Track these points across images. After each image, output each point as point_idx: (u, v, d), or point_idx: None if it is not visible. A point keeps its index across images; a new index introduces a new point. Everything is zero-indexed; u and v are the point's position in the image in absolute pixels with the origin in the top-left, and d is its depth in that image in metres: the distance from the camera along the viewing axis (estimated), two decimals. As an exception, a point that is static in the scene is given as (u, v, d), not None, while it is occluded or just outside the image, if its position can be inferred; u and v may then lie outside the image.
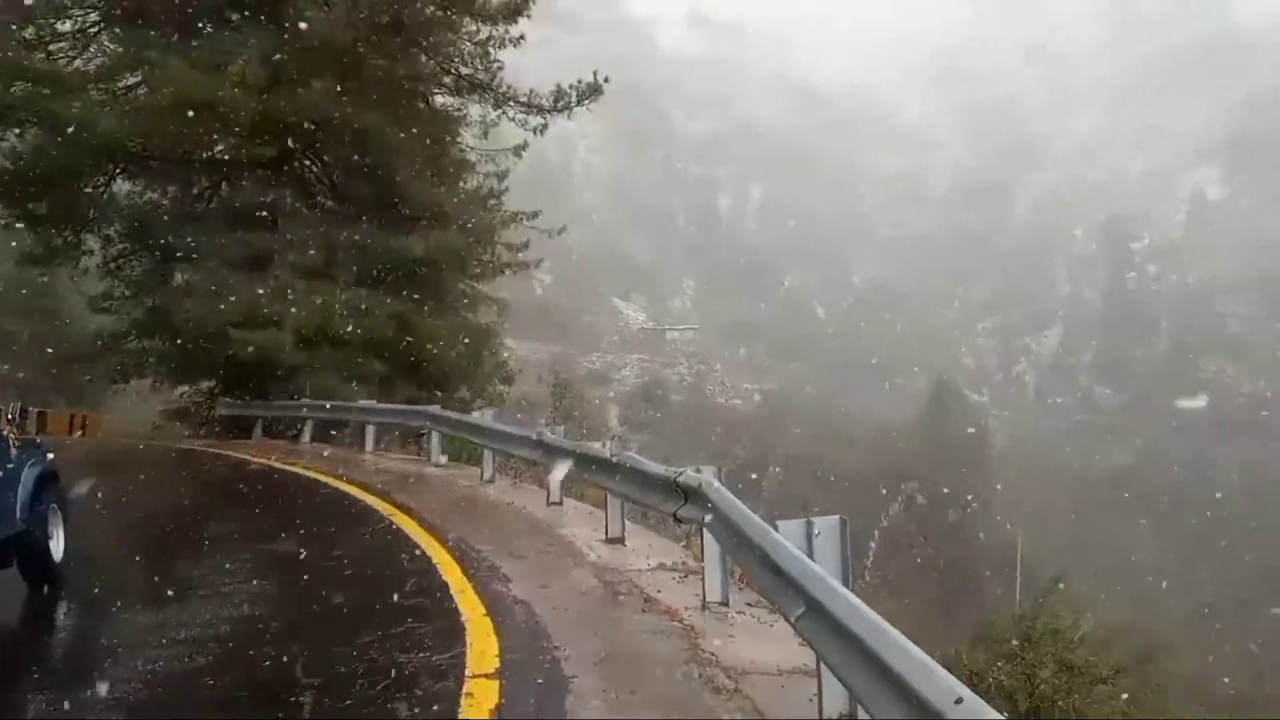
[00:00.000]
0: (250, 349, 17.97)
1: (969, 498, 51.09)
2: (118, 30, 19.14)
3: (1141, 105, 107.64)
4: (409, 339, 19.86)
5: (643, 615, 6.37)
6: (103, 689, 5.19)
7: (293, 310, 17.98)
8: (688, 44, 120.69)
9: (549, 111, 20.24)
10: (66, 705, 5.08)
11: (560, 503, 10.22)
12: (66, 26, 19.55)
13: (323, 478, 12.60)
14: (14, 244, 23.23)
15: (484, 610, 6.31)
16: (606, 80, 19.85)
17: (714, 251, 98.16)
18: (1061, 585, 16.16)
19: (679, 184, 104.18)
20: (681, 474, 6.25)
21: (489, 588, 6.91)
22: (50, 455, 7.72)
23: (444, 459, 13.81)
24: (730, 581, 6.65)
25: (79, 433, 22.33)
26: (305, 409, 17.42)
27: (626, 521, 8.65)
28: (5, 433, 7.12)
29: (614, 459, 7.71)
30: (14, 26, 18.14)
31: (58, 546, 7.63)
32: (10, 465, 7.07)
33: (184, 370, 21.66)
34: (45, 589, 7.34)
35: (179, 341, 20.11)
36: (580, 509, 10.23)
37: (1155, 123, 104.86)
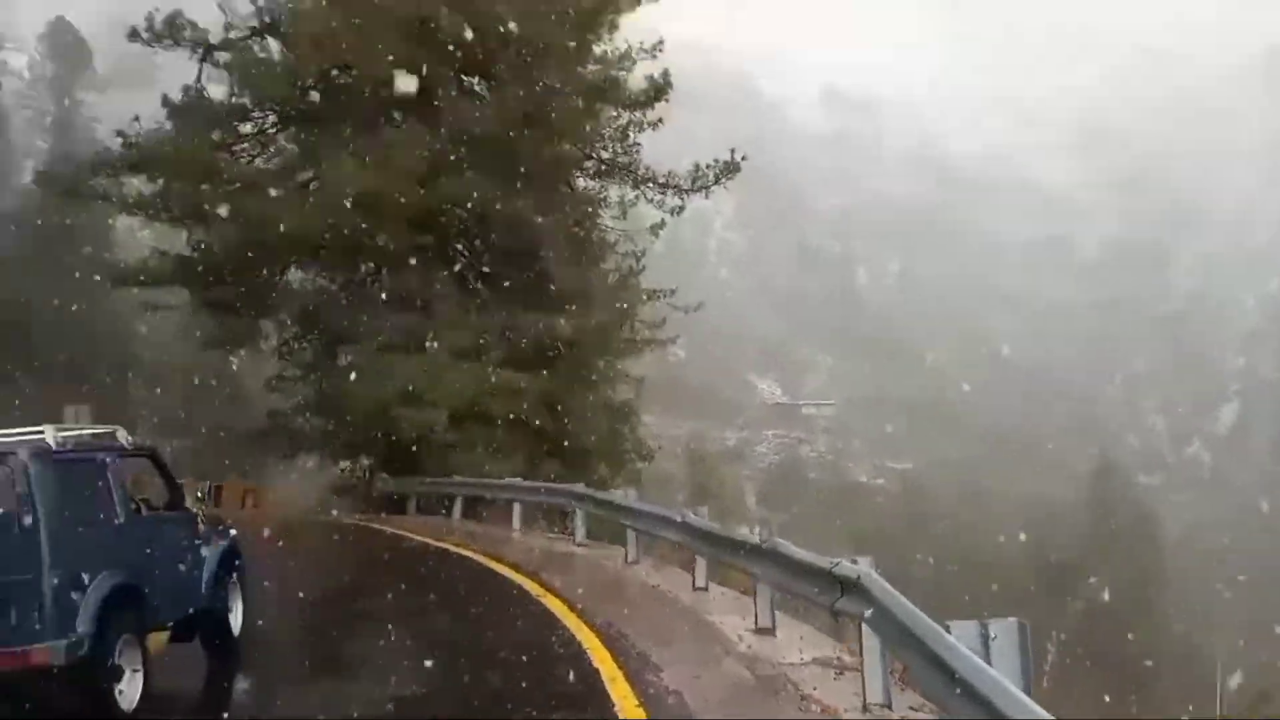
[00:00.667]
0: (406, 427, 18.83)
1: (1146, 592, 46.98)
2: (294, 132, 20.94)
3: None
4: (552, 416, 20.36)
5: (801, 714, 6.12)
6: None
7: (445, 389, 18.77)
8: (819, 121, 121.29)
9: (686, 191, 20.70)
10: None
11: (706, 588, 10.05)
12: (248, 129, 21.58)
13: (474, 555, 12.91)
14: (197, 332, 25.37)
15: (636, 700, 6.22)
16: (744, 159, 20.18)
17: (850, 326, 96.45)
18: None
19: (813, 259, 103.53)
20: (838, 564, 6.04)
21: (641, 676, 6.82)
22: (233, 532, 8.25)
23: (587, 538, 13.88)
24: (891, 681, 6.32)
25: (249, 506, 23.85)
26: (456, 486, 17.97)
27: (775, 610, 8.40)
28: (195, 511, 7.68)
29: (763, 545, 7.54)
30: (204, 129, 20.20)
31: (236, 620, 8.07)
32: (198, 543, 7.60)
33: (346, 447, 22.87)
34: (223, 661, 7.77)
35: (342, 419, 21.30)
36: (726, 595, 10.03)
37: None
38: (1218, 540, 61.32)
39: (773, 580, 7.51)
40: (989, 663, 3.97)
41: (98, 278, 27.02)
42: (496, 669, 7.22)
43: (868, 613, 5.55)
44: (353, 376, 19.92)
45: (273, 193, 19.56)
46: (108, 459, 6.50)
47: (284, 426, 23.79)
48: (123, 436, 6.95)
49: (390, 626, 8.79)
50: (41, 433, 6.03)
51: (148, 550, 6.63)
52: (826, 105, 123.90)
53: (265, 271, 21.35)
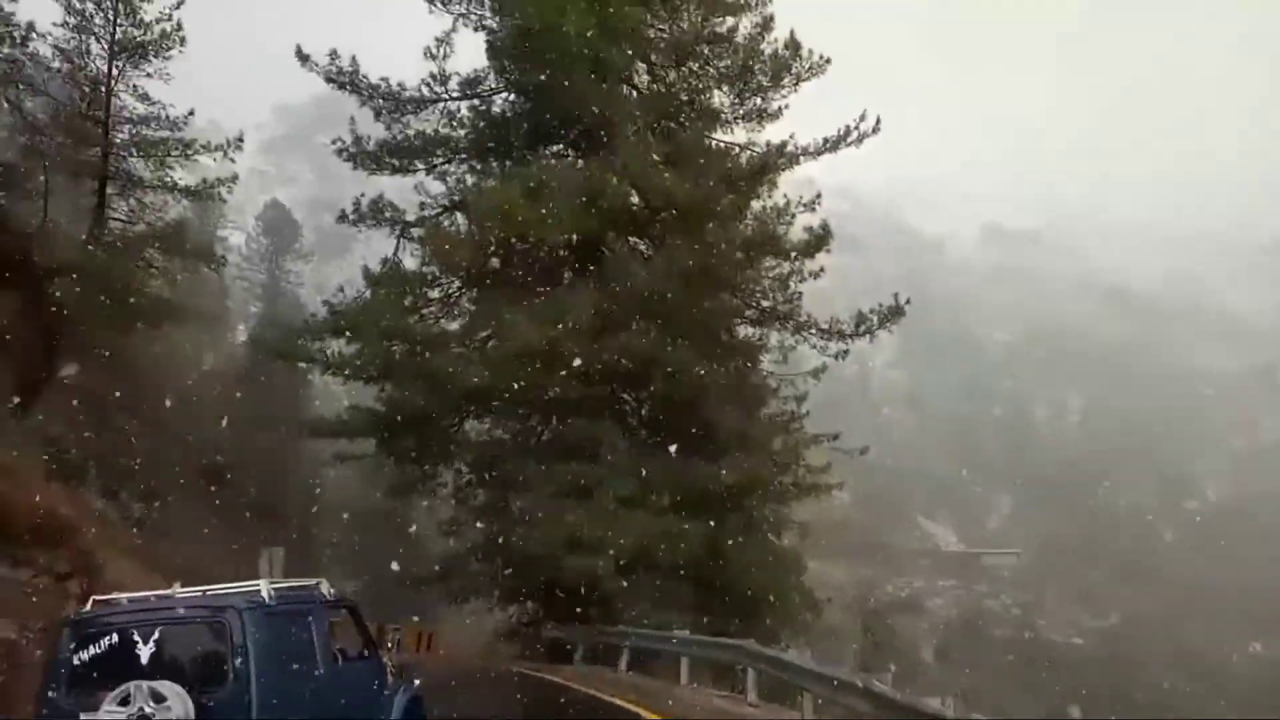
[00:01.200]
0: (573, 573, 18.97)
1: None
2: (475, 294, 22.60)
3: None
4: (717, 565, 20.03)
5: None
6: None
7: (611, 537, 18.90)
8: (981, 254, 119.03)
9: (850, 336, 20.63)
10: None
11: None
12: (435, 294, 23.49)
13: (645, 713, 12.59)
14: (378, 486, 26.88)
15: None
16: (908, 302, 20.03)
17: (1030, 467, 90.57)
18: None
19: (983, 395, 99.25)
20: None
21: None
22: (417, 682, 8.46)
23: (759, 698, 13.28)
24: None
25: (424, 649, 24.39)
26: (622, 637, 17.77)
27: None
28: (385, 660, 7.97)
29: None
30: (398, 296, 22.12)
31: (419, 770, 8.17)
32: (387, 692, 7.85)
33: (514, 592, 23.25)
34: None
35: (512, 565, 21.74)
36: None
37: None
38: None
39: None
40: None
41: (295, 429, 29.46)
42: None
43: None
44: (523, 523, 20.45)
45: (454, 350, 21.00)
46: (312, 612, 6.92)
47: (457, 570, 24.50)
48: (325, 589, 7.38)
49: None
50: (257, 587, 6.50)
51: (343, 700, 6.90)
52: (988, 239, 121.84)
53: (444, 423, 22.63)
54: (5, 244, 15.60)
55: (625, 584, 19.24)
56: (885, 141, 22.52)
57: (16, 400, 14.05)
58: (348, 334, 21.30)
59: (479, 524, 24.42)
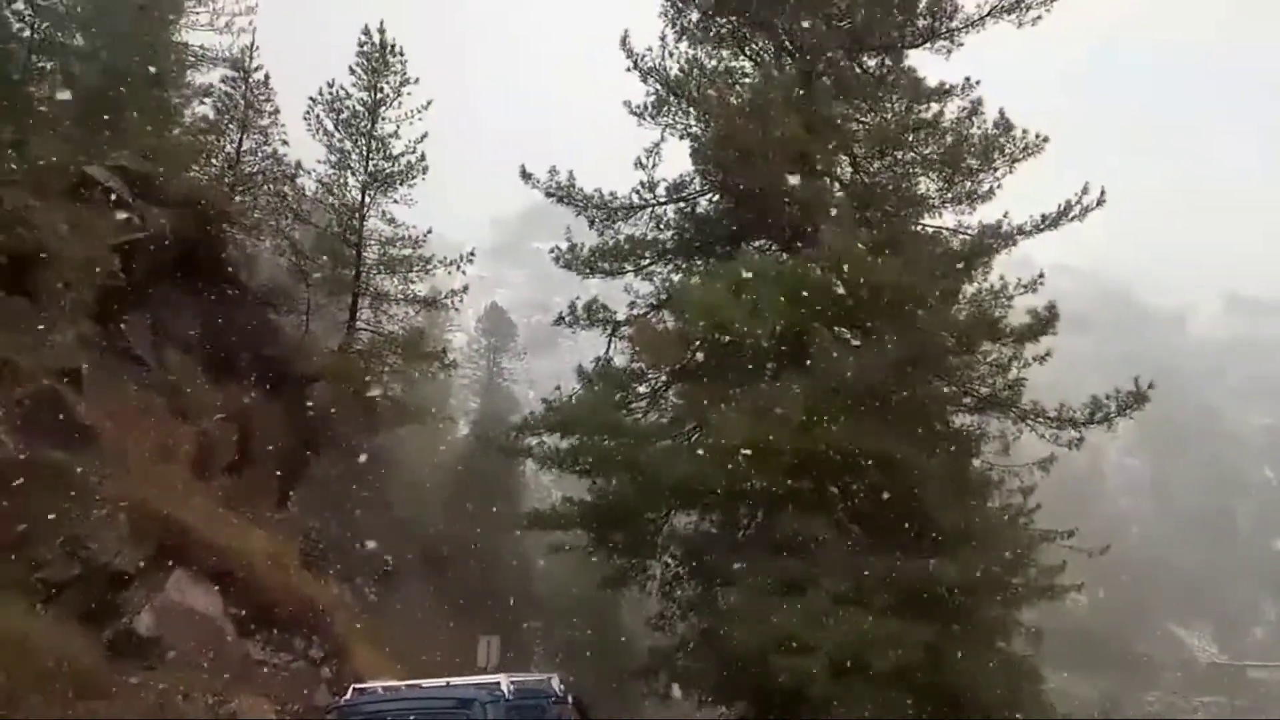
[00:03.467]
0: (783, 674, 18.36)
1: None
2: (681, 388, 23.06)
3: None
4: (941, 673, 18.74)
5: None
6: None
7: (824, 637, 18.20)
8: (1224, 329, 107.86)
9: (1084, 424, 19.18)
10: None
11: None
12: (643, 389, 24.19)
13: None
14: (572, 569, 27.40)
15: None
16: (1151, 386, 18.43)
17: (1299, 568, 79.27)
18: None
19: (1239, 484, 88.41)
20: None
21: None
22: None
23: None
24: None
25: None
26: (839, 745, 16.90)
27: None
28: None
29: None
30: (609, 392, 22.97)
31: None
32: (607, 788, 7.90)
33: (723, 690, 22.75)
34: None
35: (719, 661, 21.37)
36: None
37: None
38: None
39: None
40: None
41: (510, 521, 30.87)
42: None
43: None
44: (730, 619, 20.11)
45: (661, 444, 21.40)
46: (545, 705, 7.16)
47: (663, 665, 24.40)
48: (556, 684, 7.62)
49: None
50: (497, 681, 6.83)
51: (567, 789, 7.02)
52: (1231, 311, 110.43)
53: (652, 516, 22.93)
54: (274, 355, 17.73)
55: (840, 689, 18.37)
56: (1109, 213, 21.22)
57: (280, 493, 15.70)
58: (563, 429, 22.29)
59: (686, 619, 24.31)
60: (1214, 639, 79.59)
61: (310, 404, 19.47)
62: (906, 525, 19.63)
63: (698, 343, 20.89)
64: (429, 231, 23.37)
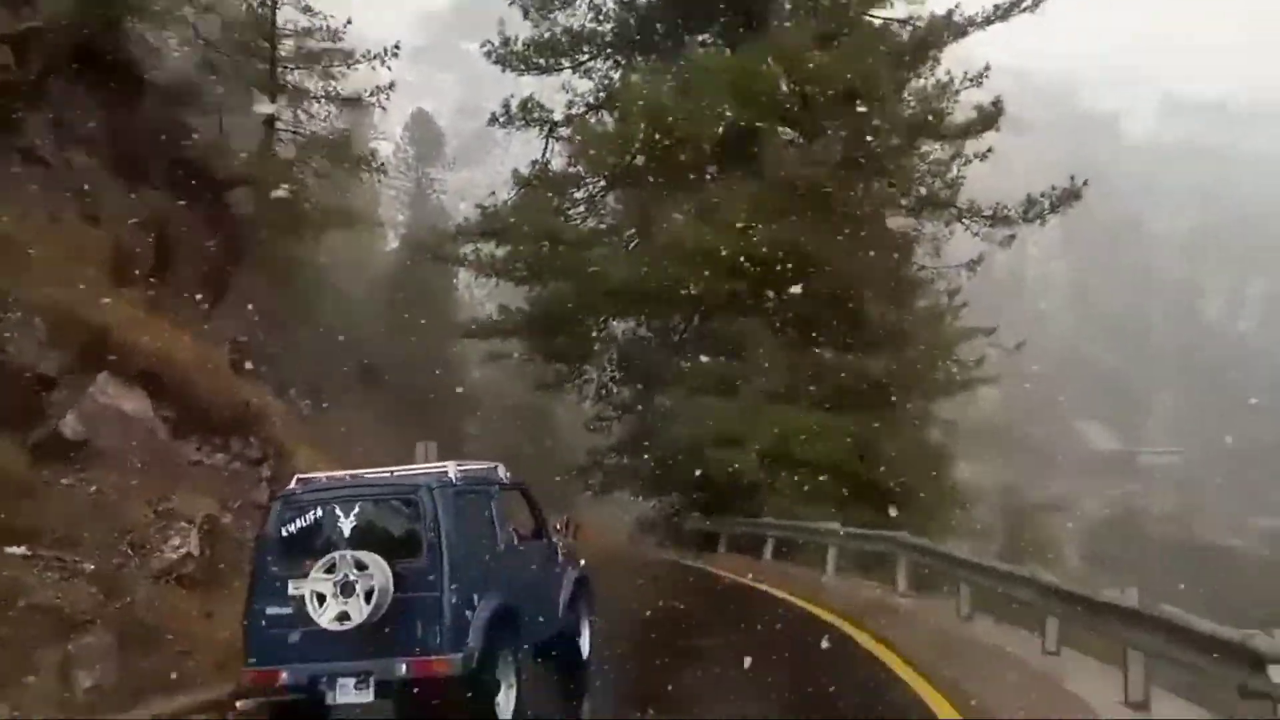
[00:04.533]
0: (717, 467, 19.26)
1: None
2: (620, 193, 22.60)
3: None
4: (863, 460, 19.82)
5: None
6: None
7: (756, 432, 18.98)
8: (1159, 134, 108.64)
9: (1018, 222, 19.47)
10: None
11: (1057, 652, 9.17)
12: (581, 194, 23.63)
13: (792, 598, 12.84)
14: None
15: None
16: (1085, 184, 18.65)
17: (1198, 362, 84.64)
18: None
19: (1153, 288, 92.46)
20: (1253, 636, 5.24)
21: (1010, 749, 6.33)
22: (583, 563, 8.87)
23: (909, 589, 13.26)
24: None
25: (571, 537, 25.56)
26: (770, 528, 18.02)
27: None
28: (556, 541, 8.36)
29: (1144, 611, 6.74)
30: (545, 198, 22.41)
31: (585, 644, 8.65)
32: (558, 570, 8.27)
33: (656, 485, 23.91)
34: (575, 682, 8.34)
35: (655, 459, 22.29)
36: (1082, 662, 9.07)
37: None
38: None
39: (1155, 650, 6.68)
40: None
41: (445, 331, 30.74)
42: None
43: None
44: (667, 418, 20.79)
45: (601, 250, 21.19)
46: (492, 493, 7.31)
47: (600, 464, 25.43)
48: (502, 472, 7.75)
49: (719, 662, 8.96)
50: (444, 468, 6.89)
51: (520, 575, 7.30)
52: (1166, 114, 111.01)
53: (591, 321, 23.05)
54: (188, 158, 16.62)
55: (769, 478, 19.40)
56: (1058, 15, 20.63)
57: (202, 301, 15.18)
58: (499, 236, 21.80)
59: (622, 420, 25.09)
60: (1112, 430, 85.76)
61: (231, 209, 18.57)
62: (839, 324, 20.11)
63: (639, 145, 20.22)
64: (349, 22, 21.57)
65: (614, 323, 24.03)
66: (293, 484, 6.87)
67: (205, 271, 16.77)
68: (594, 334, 23.58)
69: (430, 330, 33.70)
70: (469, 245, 23.37)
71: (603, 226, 23.09)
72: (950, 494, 23.35)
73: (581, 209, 23.39)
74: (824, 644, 9.73)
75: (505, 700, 6.62)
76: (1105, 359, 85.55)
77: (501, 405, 37.79)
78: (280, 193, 17.09)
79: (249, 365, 15.01)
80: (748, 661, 9.00)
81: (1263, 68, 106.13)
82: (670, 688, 8.21)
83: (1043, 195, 19.44)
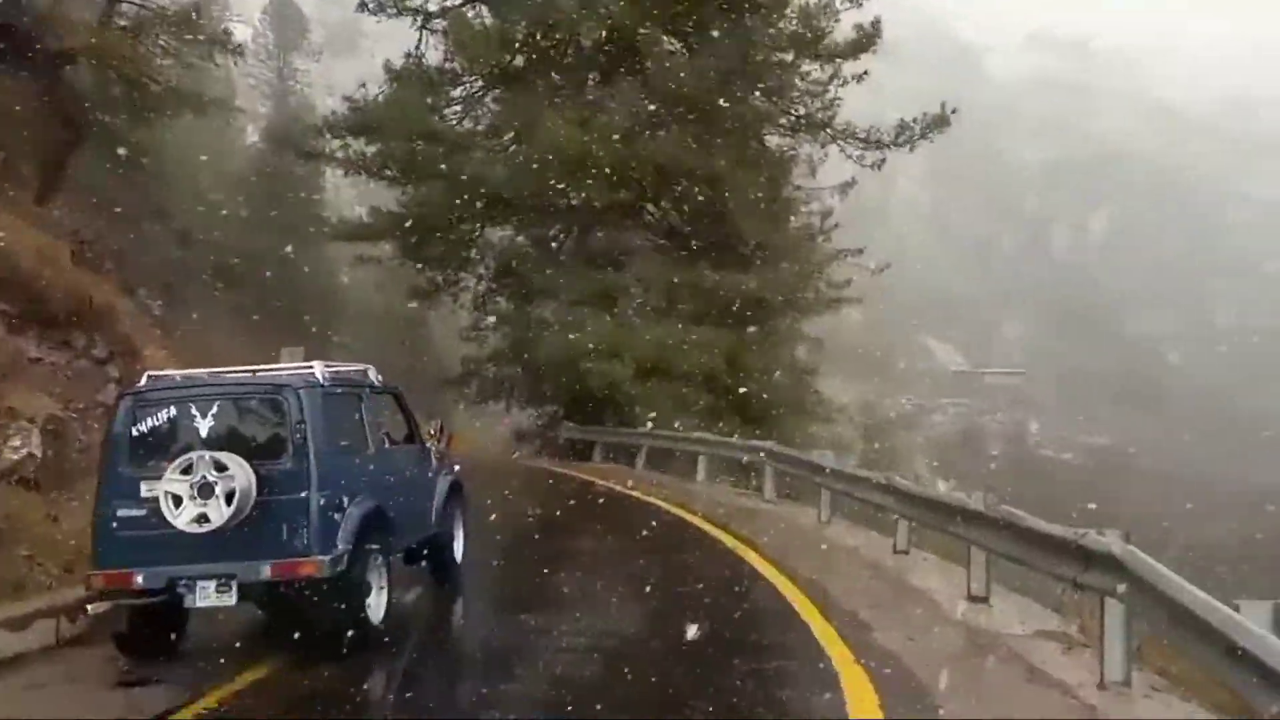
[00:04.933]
0: (594, 379, 19.39)
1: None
2: (499, 94, 21.75)
3: None
4: (736, 374, 20.36)
5: (1030, 686, 5.88)
6: (516, 684, 5.75)
7: (633, 344, 19.14)
8: (1024, 68, 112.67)
9: (889, 146, 19.95)
10: (485, 692, 5.68)
11: (908, 552, 9.81)
12: (458, 93, 22.60)
13: (665, 504, 13.19)
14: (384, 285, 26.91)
15: (853, 658, 6.17)
16: (954, 112, 19.22)
17: (1045, 289, 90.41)
18: None
19: (1010, 217, 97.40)
20: (1086, 535, 5.71)
21: (853, 634, 6.75)
22: (457, 468, 8.79)
23: (775, 495, 13.86)
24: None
25: (444, 445, 25.33)
26: (644, 437, 18.36)
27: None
28: (429, 446, 8.23)
29: (989, 512, 7.24)
30: (420, 94, 21.31)
31: (459, 548, 8.65)
32: (431, 475, 8.16)
33: (533, 395, 23.91)
34: (449, 585, 8.35)
35: (531, 369, 22.21)
36: (929, 560, 9.75)
37: None
38: None
39: (997, 549, 7.20)
40: (1283, 648, 3.65)
41: (310, 232, 29.29)
42: (703, 613, 7.34)
43: (1120, 588, 5.23)
44: (545, 329, 20.67)
45: (479, 153, 20.44)
46: (362, 395, 7.07)
47: (475, 374, 25.16)
48: (373, 375, 7.50)
49: (595, 567, 9.15)
50: (311, 368, 6.59)
51: (391, 478, 7.16)
52: (1032, 50, 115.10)
53: (467, 227, 22.40)
54: (15, 26, 14.84)
55: (645, 390, 19.68)
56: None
57: (41, 188, 13.88)
58: (369, 133, 20.68)
59: (499, 330, 24.79)
60: (963, 352, 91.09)
61: (69, 87, 16.84)
62: (717, 240, 20.30)
63: (518, 45, 19.40)
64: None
65: (491, 230, 23.44)
66: (143, 380, 6.45)
67: (41, 155, 15.30)
68: (470, 241, 22.94)
69: (294, 231, 32.06)
70: (337, 142, 22.09)
71: (480, 128, 22.19)
72: (815, 407, 24.38)
73: (458, 109, 22.41)
74: (693, 546, 10.09)
75: (376, 603, 6.54)
76: (960, 284, 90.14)
77: (372, 312, 36.66)
78: (145, 76, 15.55)
79: (92, 259, 13.90)
80: (619, 562, 9.25)
81: (1125, 6, 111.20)
82: (545, 589, 8.33)
83: (914, 121, 19.96)
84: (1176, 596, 4.41)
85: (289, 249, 31.41)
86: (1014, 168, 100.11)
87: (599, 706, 5.32)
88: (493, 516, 11.02)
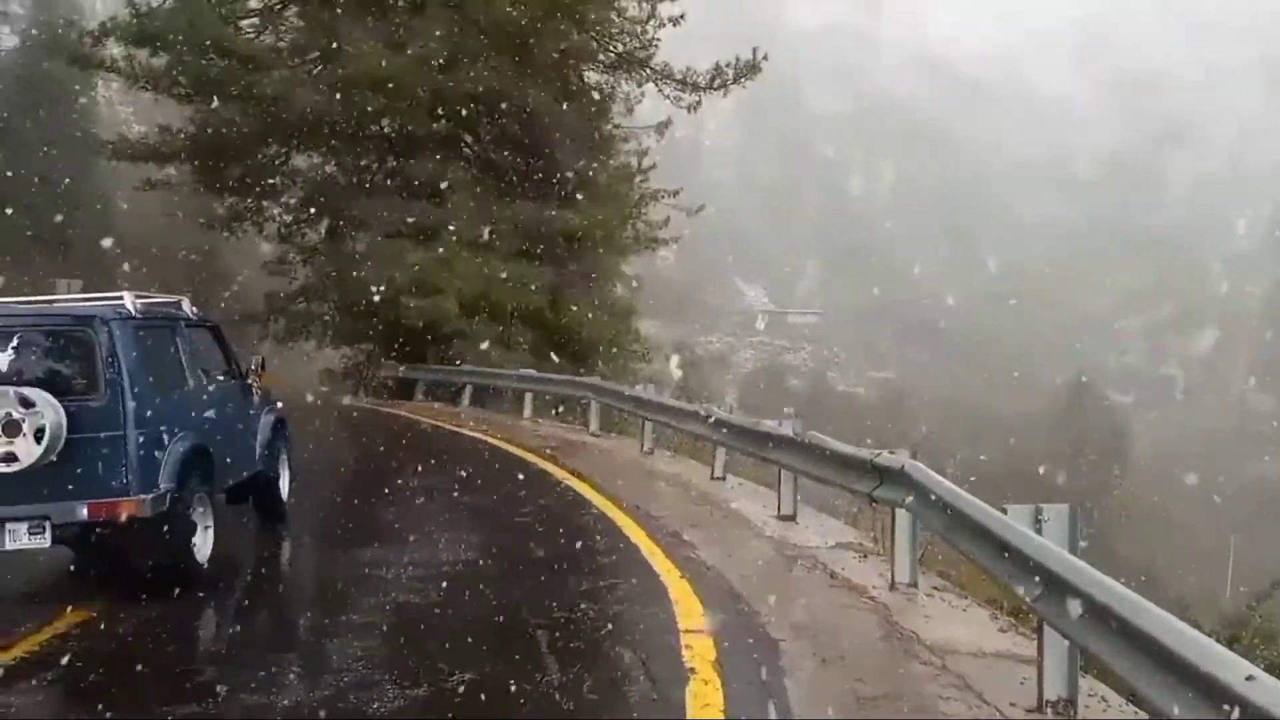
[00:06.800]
0: (414, 315, 19.02)
1: (1116, 495, 49.24)
2: (304, 9, 20.36)
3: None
4: (557, 312, 20.60)
5: (832, 589, 6.60)
6: (353, 614, 5.83)
7: (454, 279, 18.89)
8: (822, 16, 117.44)
9: (704, 89, 20.47)
10: (325, 622, 5.73)
11: (724, 478, 10.52)
12: (255, 3, 20.93)
13: (491, 439, 13.35)
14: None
15: (679, 572, 6.68)
16: (765, 58, 19.93)
17: (841, 233, 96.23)
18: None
19: (808, 163, 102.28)
20: (879, 454, 6.43)
21: (677, 552, 7.28)
22: (280, 404, 8.55)
23: (600, 429, 14.33)
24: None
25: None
26: (468, 375, 18.28)
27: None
28: (250, 382, 7.94)
29: (798, 438, 7.93)
30: (212, 3, 19.54)
31: (285, 486, 8.47)
32: (253, 412, 7.91)
33: (348, 333, 23.09)
34: (275, 523, 8.19)
35: (345, 305, 21.42)
36: (745, 485, 10.52)
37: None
38: (1182, 456, 63.44)
39: (805, 470, 7.91)
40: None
41: (83, 152, 26.48)
42: (537, 540, 7.65)
43: (908, 499, 5.96)
44: (360, 263, 19.95)
45: (282, 72, 19.14)
46: (178, 328, 6.73)
47: (283, 310, 23.93)
48: (188, 307, 7.13)
49: (427, 502, 9.22)
50: (120, 298, 6.20)
51: (212, 415, 6.92)
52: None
53: (272, 152, 21.05)
54: None
55: (467, 326, 19.54)
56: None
57: None
58: (152, 42, 18.80)
59: (308, 264, 23.66)
60: (767, 292, 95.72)
61: None
62: (538, 176, 20.22)
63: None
64: None
65: (298, 156, 22.12)
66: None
67: None
68: (276, 167, 21.56)
69: (65, 149, 28.83)
70: (117, 48, 19.93)
71: (283, 45, 20.67)
72: (634, 345, 25.07)
73: (257, 21, 20.75)
74: (523, 478, 10.34)
75: (202, 542, 6.37)
76: (766, 227, 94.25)
77: (161, 241, 33.77)
78: None
79: None
80: (448, 496, 9.37)
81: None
82: (376, 525, 8.35)
83: (728, 66, 20.53)
84: (954, 503, 5.11)
85: (55, 168, 28.27)
86: (813, 115, 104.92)
87: (440, 630, 5.51)
88: (317, 456, 10.79)
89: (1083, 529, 4.60)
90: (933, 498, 5.55)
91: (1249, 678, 2.77)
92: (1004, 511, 4.64)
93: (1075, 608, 3.70)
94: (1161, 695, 3.13)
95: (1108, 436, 59.27)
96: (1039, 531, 4.43)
